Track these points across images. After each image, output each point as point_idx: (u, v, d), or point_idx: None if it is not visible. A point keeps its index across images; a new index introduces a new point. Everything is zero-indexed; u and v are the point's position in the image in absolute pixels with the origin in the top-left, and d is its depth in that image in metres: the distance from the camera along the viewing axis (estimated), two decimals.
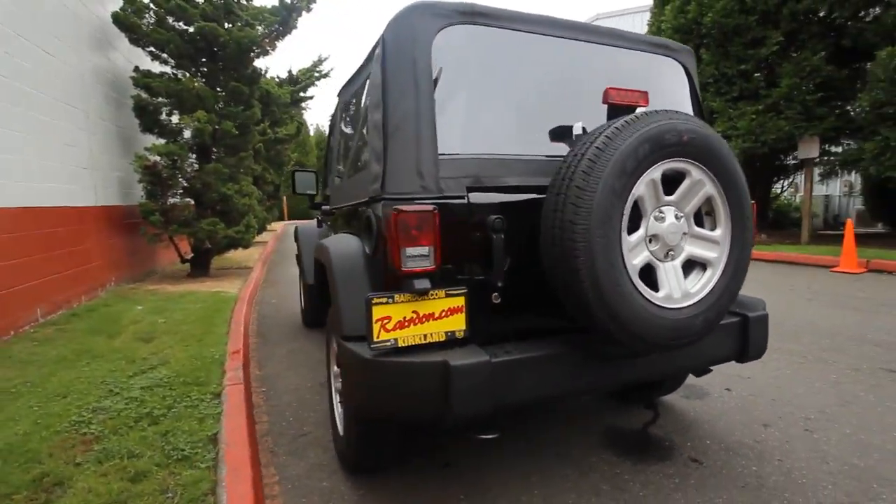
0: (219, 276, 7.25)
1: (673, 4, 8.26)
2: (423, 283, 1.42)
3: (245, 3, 6.40)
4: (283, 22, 6.26)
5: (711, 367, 1.96)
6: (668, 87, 1.99)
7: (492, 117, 1.65)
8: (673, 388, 2.65)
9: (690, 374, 2.19)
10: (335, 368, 2.28)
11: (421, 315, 1.44)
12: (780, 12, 7.20)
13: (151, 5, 5.73)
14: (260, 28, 6.22)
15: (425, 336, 1.45)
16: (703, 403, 2.70)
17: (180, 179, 6.21)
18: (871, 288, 5.58)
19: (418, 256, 1.44)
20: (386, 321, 1.41)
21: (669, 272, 1.48)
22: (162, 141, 6.26)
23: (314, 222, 4.29)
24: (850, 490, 1.85)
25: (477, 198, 1.53)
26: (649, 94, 1.65)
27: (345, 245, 1.73)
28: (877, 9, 6.40)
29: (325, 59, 11.79)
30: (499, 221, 1.49)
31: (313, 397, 2.86)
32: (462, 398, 1.37)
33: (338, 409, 2.23)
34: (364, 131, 1.88)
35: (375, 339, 1.40)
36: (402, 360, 1.40)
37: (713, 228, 1.56)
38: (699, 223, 1.56)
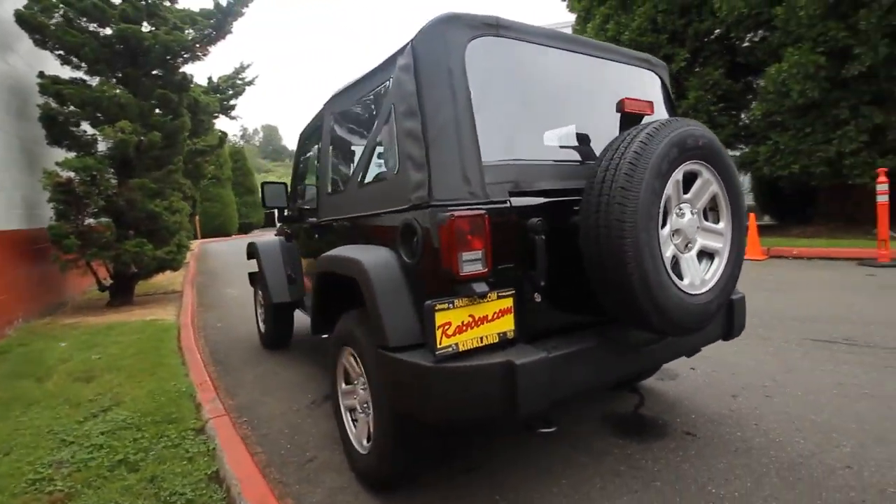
0: (145, 303, 6.55)
1: (594, 23, 9.02)
2: (482, 287, 1.44)
3: (170, 4, 5.91)
4: (217, 26, 5.86)
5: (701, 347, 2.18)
6: (650, 96, 2.20)
7: (518, 125, 1.72)
8: (652, 372, 2.88)
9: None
10: (344, 385, 2.20)
11: (476, 318, 1.46)
12: (686, 32, 8.18)
13: (61, 4, 5.08)
14: (191, 32, 5.77)
15: (481, 339, 1.47)
16: (677, 383, 2.96)
17: (97, 197, 5.53)
18: (776, 272, 6.46)
19: (473, 261, 1.45)
20: (447, 327, 1.41)
21: (690, 262, 1.64)
22: (73, 154, 5.55)
23: (273, 238, 4.07)
24: (818, 441, 2.14)
25: (516, 202, 1.59)
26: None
27: (377, 255, 1.69)
28: (763, 31, 7.52)
29: (248, 66, 11.19)
30: (540, 223, 1.55)
31: (304, 421, 2.70)
32: (527, 395, 1.40)
33: (352, 427, 2.14)
34: (385, 140, 1.86)
35: (440, 346, 1.39)
36: (468, 365, 1.40)
37: (717, 222, 1.76)
38: (706, 218, 1.75)
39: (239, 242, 23.48)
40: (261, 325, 4.40)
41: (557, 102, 1.85)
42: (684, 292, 1.55)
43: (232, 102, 9.15)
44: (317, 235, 2.62)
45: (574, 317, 1.74)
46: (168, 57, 5.77)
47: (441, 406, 1.44)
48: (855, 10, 5.67)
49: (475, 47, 1.64)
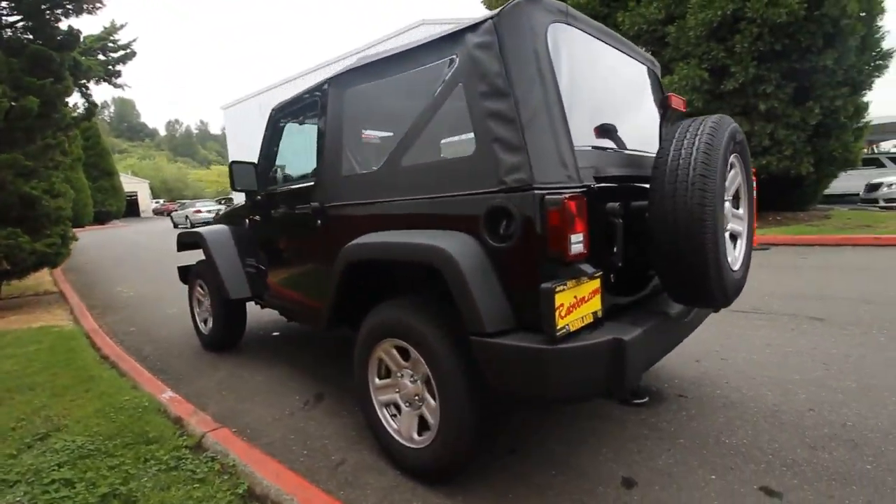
0: (16, 307, 5.33)
1: None
2: (589, 268, 1.48)
3: None
4: None
5: None
6: (654, 91, 2.41)
7: (584, 112, 1.77)
8: None
9: None
10: (377, 380, 2.08)
11: (578, 299, 1.49)
12: None
13: None
14: None
15: (582, 319, 1.51)
16: None
17: None
18: None
19: (578, 243, 1.48)
20: (561, 308, 1.42)
21: (728, 243, 1.86)
22: None
23: (219, 226, 3.60)
24: (780, 392, 2.59)
25: (599, 186, 1.64)
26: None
27: (458, 241, 1.61)
28: (656, 48, 8.53)
29: (121, 26, 9.55)
30: (620, 208, 1.63)
31: (307, 424, 2.48)
32: (632, 369, 1.48)
33: (391, 423, 2.04)
34: (447, 119, 1.77)
35: (558, 328, 1.40)
36: (583, 344, 1.43)
37: (738, 208, 2.01)
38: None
39: (102, 235, 20.10)
40: (202, 325, 3.88)
41: (604, 93, 1.94)
42: (731, 269, 1.76)
43: (118, 68, 7.71)
44: (319, 222, 2.39)
45: (618, 295, 1.85)
46: (44, 5, 4.69)
47: (559, 386, 1.45)
48: (732, 35, 6.79)
49: (552, 32, 1.65)
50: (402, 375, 1.97)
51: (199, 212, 21.74)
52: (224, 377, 3.21)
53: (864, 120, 7.49)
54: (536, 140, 1.52)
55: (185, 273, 4.13)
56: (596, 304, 1.57)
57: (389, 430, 2.04)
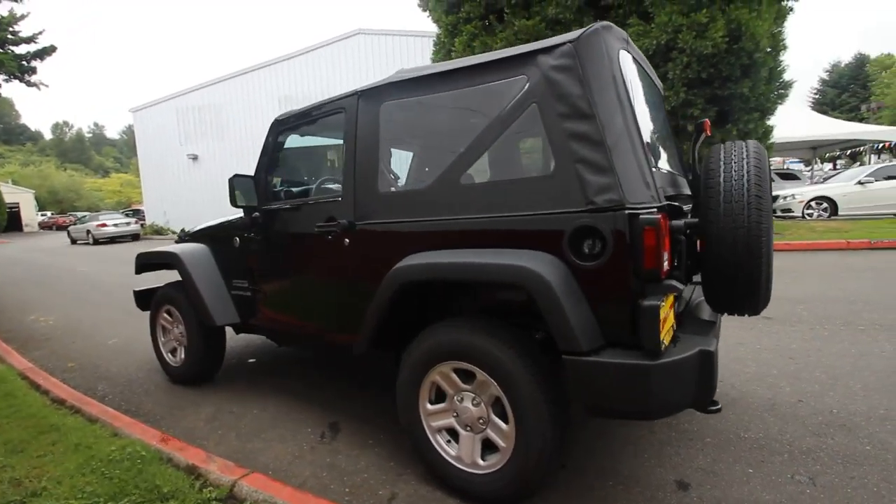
0: None
1: (461, 38, 9.61)
2: (677, 283, 1.55)
3: None
4: None
5: None
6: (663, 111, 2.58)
7: (645, 134, 1.87)
8: None
9: None
10: (429, 406, 2.00)
11: (667, 314, 1.56)
12: None
13: None
14: None
15: (668, 333, 1.58)
16: None
17: None
18: None
19: (667, 259, 1.55)
20: (662, 324, 1.47)
21: None
22: None
23: (195, 245, 3.26)
24: (766, 387, 2.87)
25: (669, 205, 1.73)
26: None
27: (543, 260, 1.60)
28: None
29: (23, 16, 8.38)
30: (684, 225, 1.74)
31: (335, 458, 2.30)
32: (716, 378, 1.57)
33: (447, 449, 1.96)
34: (511, 140, 1.76)
35: (661, 343, 1.45)
36: (680, 357, 1.49)
37: None
38: None
39: None
40: (168, 356, 3.46)
41: (646, 115, 2.06)
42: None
43: (33, 64, 6.66)
44: (348, 241, 2.26)
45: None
46: None
47: (661, 401, 1.49)
48: (665, 62, 7.55)
49: (620, 58, 1.73)
50: (462, 399, 1.91)
51: (103, 225, 19.36)
52: (213, 414, 2.89)
53: (770, 140, 8.65)
54: (622, 161, 1.57)
55: (145, 298, 3.67)
56: (672, 319, 1.66)
57: (446, 456, 1.97)
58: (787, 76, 8.23)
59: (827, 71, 47.92)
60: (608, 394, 1.53)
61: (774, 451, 2.21)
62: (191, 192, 20.82)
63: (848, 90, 45.11)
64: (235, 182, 2.64)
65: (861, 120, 28.52)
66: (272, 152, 2.76)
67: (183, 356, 3.36)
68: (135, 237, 20.16)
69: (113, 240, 19.39)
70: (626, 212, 1.53)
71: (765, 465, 2.11)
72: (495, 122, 1.82)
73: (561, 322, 1.55)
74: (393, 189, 2.15)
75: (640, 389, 1.48)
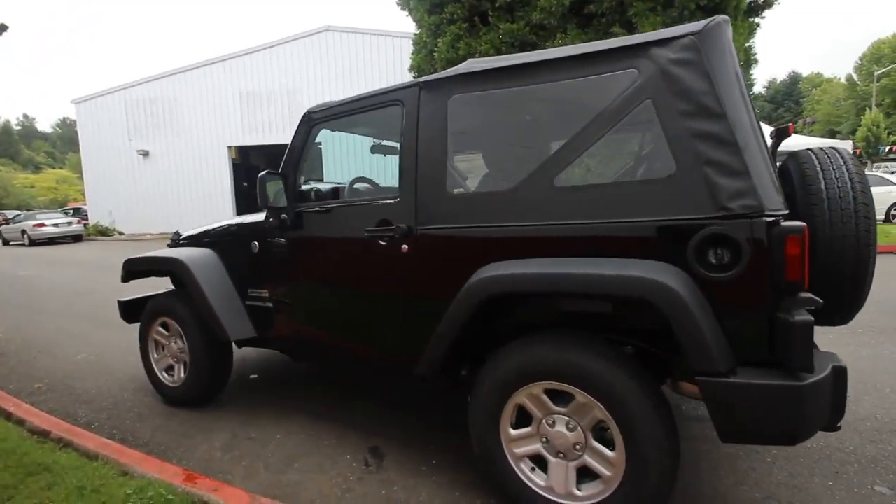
0: None
1: (444, 39, 9.45)
2: (814, 296, 1.45)
3: None
4: None
5: None
6: None
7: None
8: None
9: None
10: (512, 431, 1.81)
11: None
12: None
13: None
14: None
15: None
16: None
17: None
18: None
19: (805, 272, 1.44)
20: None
21: None
22: None
23: (202, 251, 2.90)
24: None
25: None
26: None
27: (669, 272, 1.45)
28: None
29: None
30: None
31: (392, 491, 2.06)
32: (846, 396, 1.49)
33: (532, 479, 1.79)
34: (622, 138, 1.61)
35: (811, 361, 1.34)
36: (824, 376, 1.39)
37: None
38: None
39: None
40: (163, 374, 3.07)
41: None
42: None
43: None
44: (406, 247, 2.03)
45: None
46: None
47: (809, 423, 1.38)
48: None
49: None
50: (554, 423, 1.74)
51: (41, 225, 17.62)
52: (229, 441, 2.55)
53: None
54: (754, 164, 1.45)
55: (134, 309, 3.24)
56: None
57: (534, 487, 1.78)
58: (755, 90, 8.63)
59: (765, 87, 51.70)
60: (752, 417, 1.40)
61: (843, 461, 2.18)
62: (140, 190, 19.39)
63: (783, 105, 48.85)
64: (267, 180, 2.33)
65: (797, 133, 30.95)
66: (303, 148, 2.48)
67: (183, 375, 2.98)
68: (76, 238, 18.51)
69: (52, 241, 17.70)
70: (765, 219, 1.41)
71: (840, 476, 2.07)
72: (599, 119, 1.66)
73: (697, 341, 1.41)
74: (464, 190, 1.94)
75: (791, 412, 1.37)
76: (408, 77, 15.43)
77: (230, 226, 2.91)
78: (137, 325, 3.22)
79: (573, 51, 1.74)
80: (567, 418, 1.72)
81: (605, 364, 1.61)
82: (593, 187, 1.68)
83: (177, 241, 3.33)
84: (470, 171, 2.74)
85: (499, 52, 9.21)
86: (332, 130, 2.53)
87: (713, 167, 1.47)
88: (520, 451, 1.82)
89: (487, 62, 1.92)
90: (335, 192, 2.67)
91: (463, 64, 2.00)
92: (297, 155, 2.48)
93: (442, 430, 2.55)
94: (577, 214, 1.67)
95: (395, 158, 2.12)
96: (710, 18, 1.58)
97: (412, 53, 10.71)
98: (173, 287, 3.40)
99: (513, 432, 1.82)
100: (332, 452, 2.40)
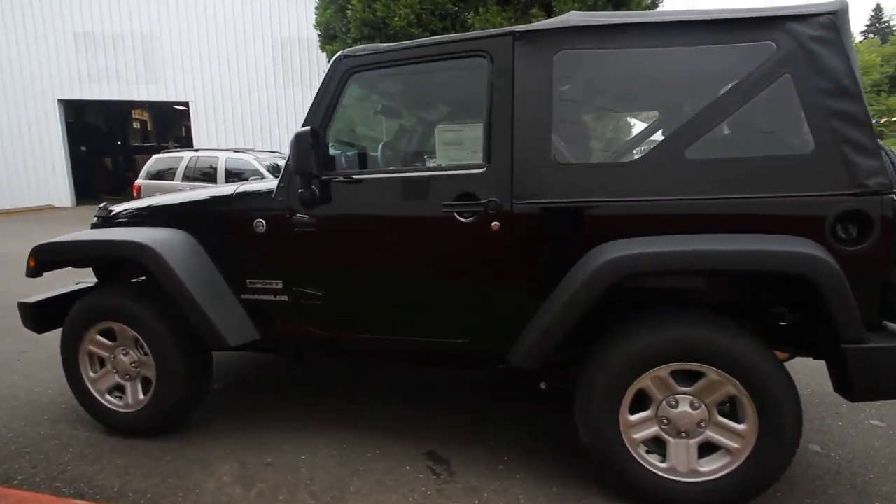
0: None
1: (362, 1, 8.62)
2: None
3: None
4: None
5: None
6: None
7: None
8: None
9: None
10: (630, 417, 1.74)
11: None
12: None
13: None
14: None
15: None
16: None
17: None
18: None
19: None
20: None
21: None
22: None
23: (175, 234, 2.21)
24: None
25: None
26: None
27: (818, 248, 1.47)
28: None
29: None
30: None
31: (482, 498, 1.84)
32: None
33: (651, 462, 1.74)
34: (762, 112, 1.57)
35: None
36: None
37: None
38: None
39: None
40: (105, 398, 2.33)
41: None
42: None
43: None
44: (497, 224, 1.77)
45: None
46: None
47: None
48: None
49: None
50: (677, 404, 1.70)
51: None
52: (240, 472, 2.03)
53: None
54: (877, 143, 1.55)
55: (50, 313, 2.37)
56: None
57: (654, 470, 1.74)
58: None
59: None
60: (888, 376, 1.52)
61: (838, 403, 2.54)
62: None
63: None
64: (301, 141, 1.82)
65: None
66: (335, 102, 1.99)
67: (141, 396, 2.28)
68: None
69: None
70: (894, 196, 1.51)
71: (841, 415, 2.43)
72: (735, 90, 1.61)
73: (851, 313, 1.47)
74: (577, 161, 1.74)
75: None
76: (313, 35, 13.98)
77: (214, 199, 2.26)
78: (48, 333, 2.37)
79: (703, 15, 1.64)
80: (691, 397, 1.69)
81: (742, 341, 1.61)
82: (730, 161, 1.64)
83: (106, 217, 2.50)
84: (455, 142, 2.53)
85: (419, 19, 8.81)
86: (381, 83, 2.07)
87: (850, 146, 1.53)
88: (638, 435, 1.74)
89: (598, 17, 1.72)
90: (361, 159, 2.23)
91: (565, 16, 1.77)
92: (327, 111, 1.99)
93: (488, 423, 2.38)
94: (712, 189, 1.62)
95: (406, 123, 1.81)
96: (834, 1, 1.61)
97: (317, 7, 9.70)
98: (98, 280, 2.58)
99: (631, 418, 1.74)
100: (385, 465, 2.06)
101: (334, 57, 2.00)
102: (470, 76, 1.87)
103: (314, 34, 13.67)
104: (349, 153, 2.14)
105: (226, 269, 2.19)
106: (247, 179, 7.76)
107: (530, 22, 8.41)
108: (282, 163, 8.74)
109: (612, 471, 1.77)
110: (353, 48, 1.98)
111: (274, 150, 11.18)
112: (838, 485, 1.91)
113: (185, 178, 8.47)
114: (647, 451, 1.77)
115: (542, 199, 1.75)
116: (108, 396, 2.33)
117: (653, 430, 1.74)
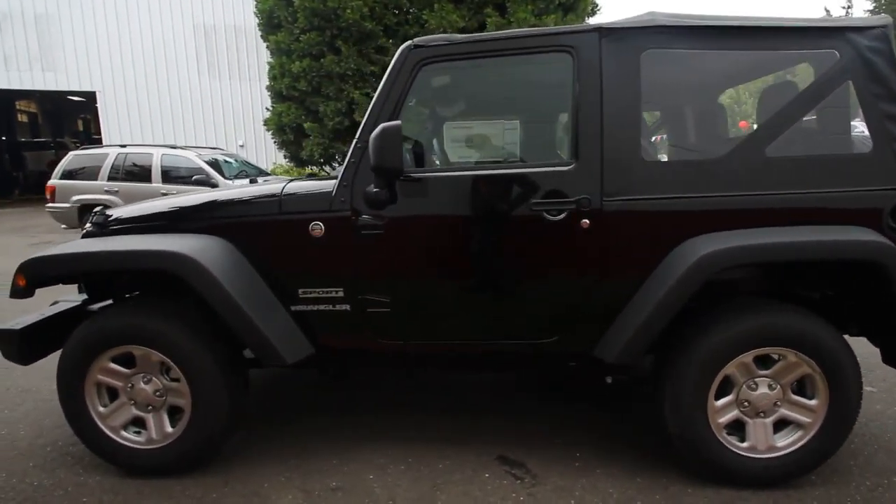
0: None
1: None
2: None
3: None
4: None
5: None
6: None
7: None
8: None
9: None
10: (716, 403, 1.82)
11: None
12: (398, 31, 8.84)
13: None
14: None
15: None
16: None
17: None
18: None
19: None
20: None
21: None
22: None
23: (214, 241, 1.93)
24: None
25: None
26: None
27: (876, 236, 1.63)
28: None
29: None
30: None
31: (566, 501, 1.84)
32: None
33: (735, 444, 1.84)
34: (827, 115, 1.71)
35: None
36: None
37: None
38: None
39: None
40: (122, 435, 2.00)
41: None
42: None
43: None
44: (588, 222, 1.76)
45: None
46: None
47: None
48: None
49: None
50: (756, 386, 1.82)
51: None
52: (306, 501, 1.83)
53: None
54: None
55: (38, 339, 1.98)
56: None
57: (737, 451, 1.84)
58: None
59: None
60: None
61: None
62: None
63: None
64: (387, 133, 1.67)
65: None
66: (403, 94, 1.87)
67: (169, 427, 1.98)
68: None
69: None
70: None
71: None
72: (805, 93, 1.74)
73: None
74: (665, 158, 1.78)
75: None
76: (242, 23, 12.94)
77: (257, 201, 2.01)
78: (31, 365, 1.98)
79: (776, 23, 1.76)
80: (769, 379, 1.82)
81: (817, 324, 1.75)
82: (805, 159, 1.77)
83: (103, 224, 2.14)
84: (462, 139, 2.53)
85: (372, 11, 8.56)
86: (453, 75, 1.97)
87: None
88: (722, 420, 1.84)
89: (684, 18, 1.78)
90: (418, 157, 2.11)
91: (648, 15, 1.80)
92: (396, 104, 1.86)
93: (542, 423, 2.36)
94: (788, 184, 1.75)
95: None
96: (883, 17, 1.81)
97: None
98: (87, 296, 2.22)
99: (717, 403, 1.83)
100: (463, 476, 1.98)
101: (403, 47, 1.87)
102: (549, 72, 1.85)
103: (243, 21, 12.79)
104: (426, 149, 2.02)
105: (273, 279, 1.96)
106: (191, 179, 7.06)
107: (483, 20, 8.57)
108: (225, 161, 8.05)
109: (701, 457, 1.84)
110: (424, 38, 1.87)
111: (201, 146, 10.27)
112: (868, 446, 2.16)
113: (112, 178, 7.50)
114: (729, 434, 1.87)
115: (632, 196, 1.78)
116: (122, 433, 2.00)
117: (734, 413, 1.84)
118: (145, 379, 1.96)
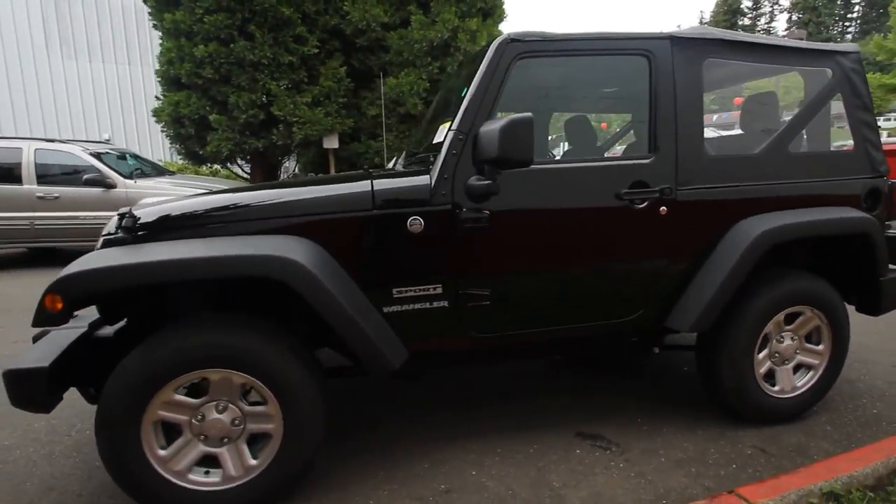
0: None
1: None
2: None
3: None
4: None
5: None
6: None
7: None
8: None
9: None
10: (758, 356, 2.19)
11: None
12: (318, 21, 8.13)
13: None
14: None
15: None
16: None
17: None
18: None
19: None
20: None
21: None
22: None
23: (302, 242, 1.72)
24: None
25: None
26: None
27: (864, 214, 2.11)
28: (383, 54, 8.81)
29: None
30: None
31: (681, 457, 2.05)
32: None
33: (770, 389, 2.23)
34: (816, 119, 2.16)
35: None
36: None
37: None
38: None
39: None
40: (192, 477, 1.69)
41: None
42: None
43: None
44: (665, 209, 1.98)
45: None
46: None
47: None
48: (444, 56, 8.37)
49: None
50: (783, 339, 2.23)
51: None
52: None
53: None
54: None
55: (65, 377, 1.57)
56: None
57: (772, 394, 2.23)
58: None
59: None
60: None
61: None
62: None
63: None
64: (525, 125, 1.65)
65: None
66: (500, 88, 1.87)
67: (252, 460, 1.73)
68: None
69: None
70: (888, 178, 2.31)
71: None
72: (813, 102, 2.18)
73: (885, 256, 2.19)
74: (722, 153, 2.05)
75: None
76: (143, 14, 10.83)
77: (345, 198, 1.81)
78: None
79: (788, 43, 2.17)
80: (791, 332, 2.24)
81: (825, 286, 2.21)
82: (815, 154, 2.21)
83: (133, 229, 1.75)
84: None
85: (297, 6, 7.89)
86: (529, 75, 2.01)
87: (870, 144, 2.27)
88: (762, 370, 2.21)
89: (734, 35, 2.09)
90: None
91: (705, 29, 2.08)
92: (495, 97, 1.86)
93: (590, 398, 2.56)
94: (803, 174, 2.17)
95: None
96: (850, 45, 2.32)
97: None
98: (106, 317, 1.84)
99: (759, 357, 2.20)
100: (560, 456, 2.06)
101: (499, 40, 1.88)
102: (629, 73, 2.02)
103: None
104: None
105: (365, 280, 1.82)
106: (80, 179, 5.83)
107: (407, 15, 8.47)
108: (118, 157, 6.75)
109: (750, 404, 2.19)
110: (519, 32, 1.89)
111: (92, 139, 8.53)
112: (879, 402, 2.67)
113: None
114: (764, 380, 2.26)
115: (699, 185, 2.04)
116: (189, 476, 1.69)
117: (768, 364, 2.23)
118: (219, 407, 1.68)
